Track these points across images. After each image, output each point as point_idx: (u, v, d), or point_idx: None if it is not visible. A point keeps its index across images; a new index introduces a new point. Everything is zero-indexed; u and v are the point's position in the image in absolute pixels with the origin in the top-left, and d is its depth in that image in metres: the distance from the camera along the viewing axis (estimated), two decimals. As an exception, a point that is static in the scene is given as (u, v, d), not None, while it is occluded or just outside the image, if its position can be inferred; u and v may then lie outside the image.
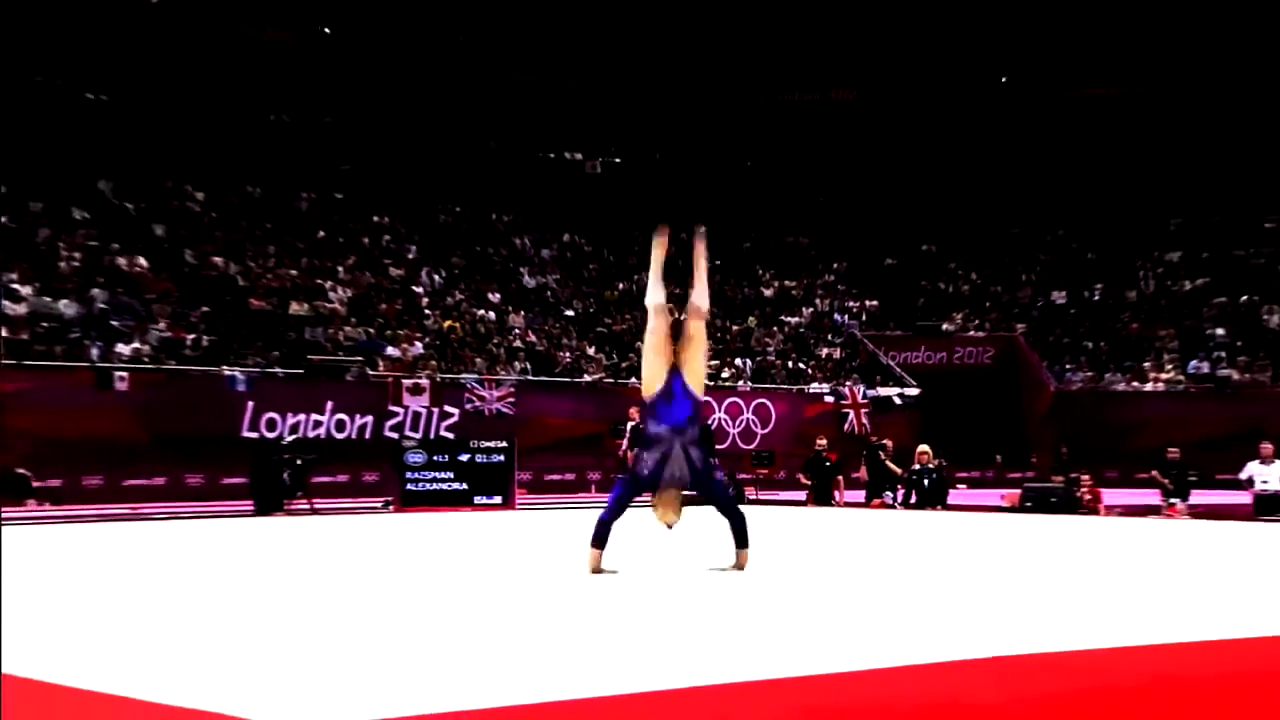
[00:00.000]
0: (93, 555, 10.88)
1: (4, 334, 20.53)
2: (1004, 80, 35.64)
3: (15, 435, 18.90)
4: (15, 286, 21.84)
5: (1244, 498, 18.11)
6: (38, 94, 27.74)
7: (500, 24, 31.56)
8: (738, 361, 28.74)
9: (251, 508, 17.59)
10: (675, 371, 7.91)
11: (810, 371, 29.44)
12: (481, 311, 27.81)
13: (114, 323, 22.03)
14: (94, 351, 21.14)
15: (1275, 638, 5.32)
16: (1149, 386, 29.70)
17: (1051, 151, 34.85)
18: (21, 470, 18.64)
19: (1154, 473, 19.14)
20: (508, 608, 6.82)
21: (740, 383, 27.77)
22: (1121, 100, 34.48)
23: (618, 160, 35.19)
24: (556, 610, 6.68)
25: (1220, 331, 30.61)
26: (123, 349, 21.50)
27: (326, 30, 31.69)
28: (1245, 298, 31.36)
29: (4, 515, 16.64)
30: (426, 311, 27.02)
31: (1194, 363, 29.83)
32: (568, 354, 27.19)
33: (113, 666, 4.74)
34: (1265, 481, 17.71)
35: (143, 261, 24.50)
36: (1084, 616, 6.19)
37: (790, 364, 29.61)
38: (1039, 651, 4.82)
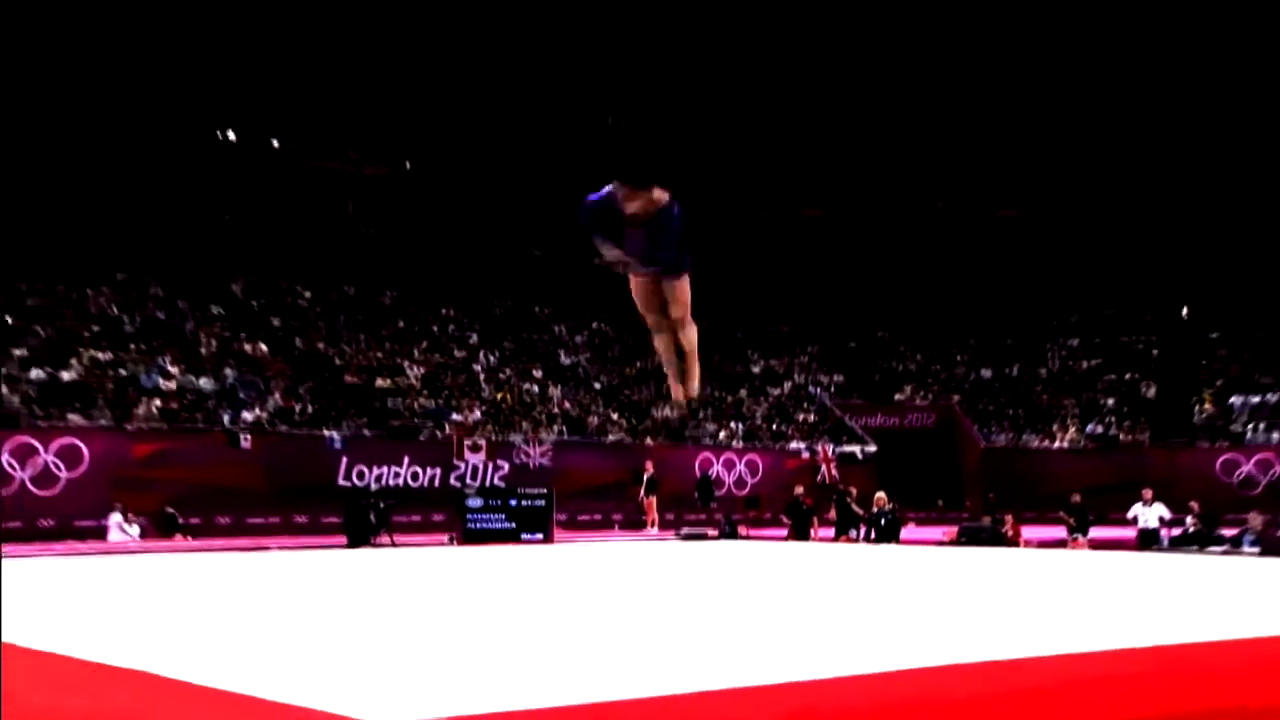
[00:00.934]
0: (233, 579, 10.90)
1: (158, 404, 20.78)
2: (939, 204, 35.86)
3: (166, 483, 19.16)
4: (168, 367, 22.13)
5: (1130, 533, 18.05)
6: (186, 216, 28.14)
7: (541, 158, 31.81)
8: (732, 424, 28.56)
9: (345, 542, 17.19)
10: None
11: (790, 433, 29.24)
12: (527, 385, 27.67)
13: (241, 395, 22.19)
14: (225, 417, 21.30)
15: (1159, 647, 5.33)
16: (1056, 444, 29.58)
17: (978, 258, 34.95)
18: (170, 510, 18.71)
19: (1061, 513, 18.90)
20: (552, 620, 6.86)
21: (734, 442, 27.69)
22: (1032, 219, 34.73)
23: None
24: (588, 623, 6.71)
25: (1110, 401, 30.58)
26: (247, 415, 21.63)
27: (409, 165, 32.08)
28: (1129, 375, 31.40)
29: (155, 547, 16.88)
30: (483, 385, 26.89)
31: (1090, 426, 29.76)
32: (596, 418, 27.06)
33: (238, 667, 4.72)
34: (1146, 520, 17.71)
35: (263, 346, 24.66)
36: (1015, 629, 6.18)
37: (774, 427, 29.50)
38: (988, 660, 4.68)
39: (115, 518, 18.25)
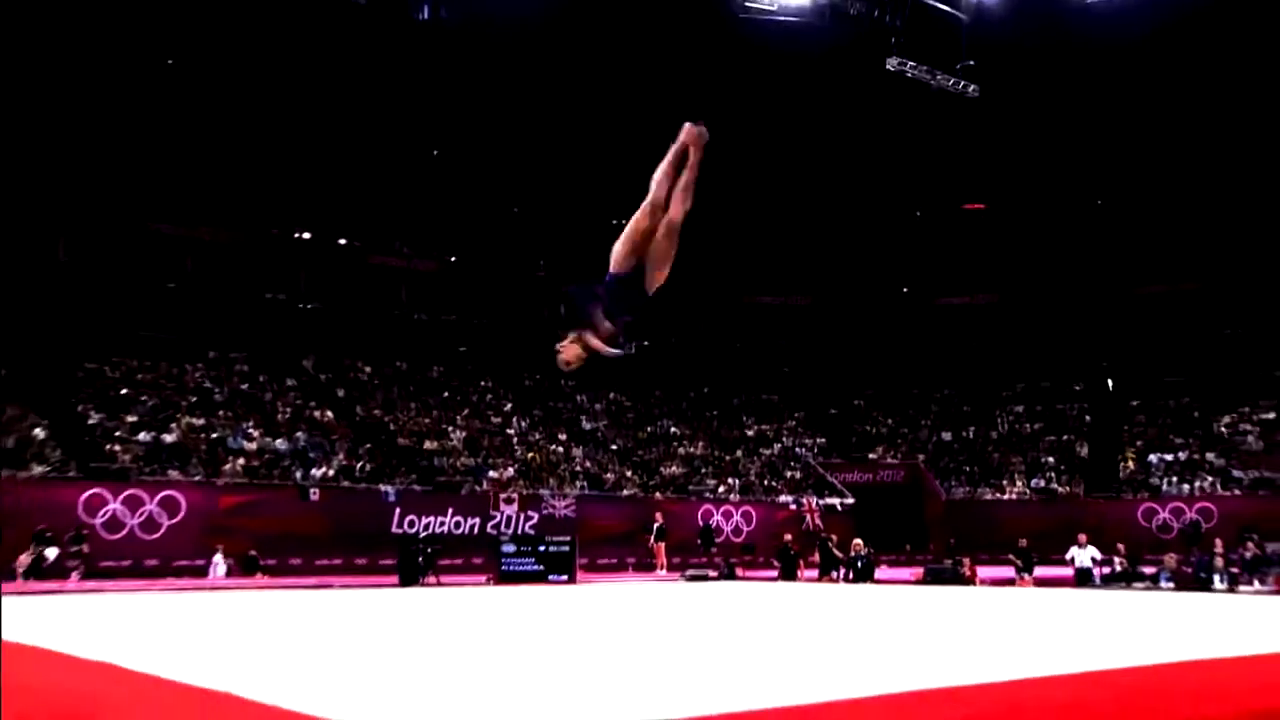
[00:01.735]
0: (307, 611, 10.97)
1: (243, 462, 21.00)
2: (905, 290, 36.25)
3: (248, 530, 19.29)
4: (250, 431, 22.37)
5: (1068, 572, 18.00)
6: (267, 304, 28.59)
7: (563, 256, 32.17)
8: (729, 480, 28.57)
9: (397, 582, 17.21)
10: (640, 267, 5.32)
11: (779, 487, 29.15)
12: (554, 446, 27.73)
13: (311, 455, 22.34)
14: (297, 474, 21.41)
15: (1104, 671, 5.29)
16: (1006, 496, 29.55)
17: (937, 337, 35.28)
18: (253, 553, 18.82)
19: (1010, 555, 18.82)
20: (581, 648, 6.95)
21: (732, 495, 27.62)
22: (982, 306, 35.10)
23: (646, 343, 35.48)
24: (612, 651, 6.77)
25: (1050, 459, 30.58)
26: (315, 473, 21.73)
27: (454, 260, 32.55)
28: (1065, 437, 31.50)
29: (240, 584, 16.98)
30: (516, 446, 26.97)
31: (1034, 480, 29.73)
32: (613, 475, 27.06)
33: (309, 688, 4.71)
34: (1081, 561, 17.66)
35: (330, 413, 24.85)
36: (979, 656, 6.09)
37: (766, 482, 29.42)
38: (959, 685, 4.51)
39: (217, 558, 18.56)
